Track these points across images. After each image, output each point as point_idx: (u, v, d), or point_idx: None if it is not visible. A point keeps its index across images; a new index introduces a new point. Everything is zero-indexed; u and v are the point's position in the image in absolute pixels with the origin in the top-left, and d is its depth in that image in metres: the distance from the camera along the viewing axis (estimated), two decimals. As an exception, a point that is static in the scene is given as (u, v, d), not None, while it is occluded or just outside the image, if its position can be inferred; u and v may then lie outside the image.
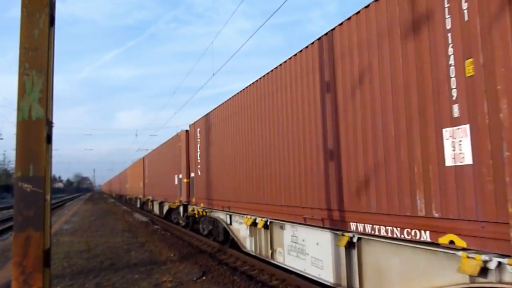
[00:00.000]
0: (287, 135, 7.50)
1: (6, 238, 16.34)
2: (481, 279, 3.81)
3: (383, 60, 5.10)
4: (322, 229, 6.43)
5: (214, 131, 11.87)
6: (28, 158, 3.20)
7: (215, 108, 11.82)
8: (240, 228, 10.14)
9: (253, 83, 9.08)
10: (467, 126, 3.96)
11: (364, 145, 5.36)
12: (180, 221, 17.05)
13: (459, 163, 4.04)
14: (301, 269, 7.18)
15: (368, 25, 5.34)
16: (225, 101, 10.92)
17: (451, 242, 4.11)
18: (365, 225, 5.35)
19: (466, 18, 4.01)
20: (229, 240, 11.38)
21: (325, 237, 6.39)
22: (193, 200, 14.13)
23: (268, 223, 8.37)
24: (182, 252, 11.26)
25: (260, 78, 8.68)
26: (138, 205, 32.84)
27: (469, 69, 3.97)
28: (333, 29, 6.08)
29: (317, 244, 6.64)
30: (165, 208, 20.02)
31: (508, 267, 3.58)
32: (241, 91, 9.86)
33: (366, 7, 5.35)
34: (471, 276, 3.89)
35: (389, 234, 4.94)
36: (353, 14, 5.61)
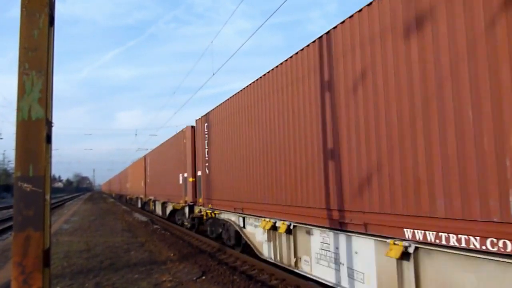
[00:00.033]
0: (316, 127, 6.59)
1: (6, 238, 16.33)
2: None
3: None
4: (363, 236, 5.54)
5: (225, 125, 10.96)
6: (28, 158, 3.20)
7: (226, 100, 10.91)
8: (256, 232, 9.29)
9: (272, 70, 8.26)
10: None
11: (426, 136, 4.50)
12: (185, 223, 16.30)
13: None
14: (334, 281, 6.30)
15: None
16: (238, 92, 10.08)
17: None
18: (426, 232, 4.44)
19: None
20: (242, 245, 10.68)
21: (367, 245, 5.49)
22: (200, 200, 13.32)
23: (292, 227, 7.51)
24: (182, 251, 11.26)
25: (289, 59, 7.65)
26: (139, 205, 32.07)
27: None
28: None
29: (356, 253, 5.74)
30: (169, 209, 19.27)
31: None
32: (258, 79, 8.90)
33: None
34: None
35: (463, 244, 4.00)
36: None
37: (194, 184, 14.31)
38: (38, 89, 3.26)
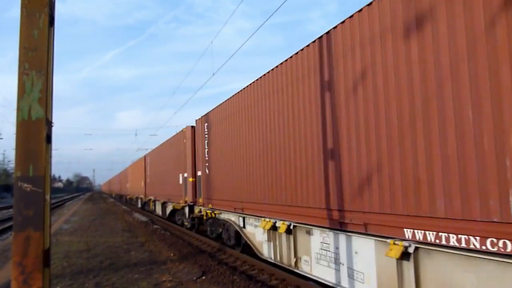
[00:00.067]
0: (316, 127, 6.56)
1: (5, 237, 16.33)
2: None
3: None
4: (363, 236, 5.52)
5: (225, 125, 10.94)
6: (27, 158, 3.20)
7: (226, 100, 10.86)
8: (256, 232, 9.22)
9: (272, 70, 8.22)
10: None
11: (426, 136, 4.48)
12: (185, 223, 16.18)
13: None
14: (334, 281, 6.28)
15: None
16: (238, 92, 10.02)
17: None
18: (426, 232, 4.43)
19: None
20: (242, 245, 10.63)
21: (367, 245, 5.48)
22: (200, 200, 13.19)
23: (292, 227, 7.47)
24: (182, 251, 11.26)
25: (289, 59, 7.60)
26: (139, 205, 31.83)
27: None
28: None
29: (356, 253, 5.72)
30: (169, 209, 19.14)
31: None
32: (259, 79, 8.88)
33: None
34: None
35: (463, 244, 4.00)
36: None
37: (194, 184, 14.21)
38: (38, 89, 3.26)
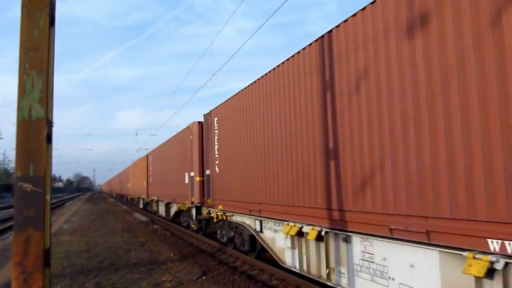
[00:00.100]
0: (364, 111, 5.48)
1: (6, 237, 16.33)
2: None
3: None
4: (423, 246, 4.59)
5: (239, 118, 9.91)
6: (28, 158, 3.20)
7: (240, 91, 9.86)
8: (276, 237, 8.20)
9: (299, 52, 7.21)
10: None
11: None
12: (192, 225, 15.09)
13: None
14: None
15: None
16: (255, 81, 8.94)
17: None
18: None
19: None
20: (257, 251, 9.67)
21: (428, 257, 4.53)
22: (209, 201, 12.18)
23: (323, 233, 6.41)
24: (182, 251, 11.26)
25: (310, 45, 6.86)
26: (141, 206, 30.76)
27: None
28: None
29: (412, 266, 4.78)
30: (173, 210, 18.16)
31: None
32: (280, 64, 7.79)
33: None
34: None
35: None
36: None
37: (202, 183, 13.37)
38: (39, 89, 3.26)
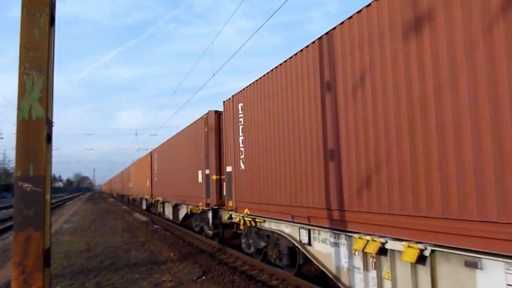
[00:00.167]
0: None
1: (6, 237, 16.34)
2: None
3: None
4: None
5: (273, 101, 8.08)
6: (28, 158, 3.20)
7: (275, 68, 8.04)
8: (334, 253, 6.32)
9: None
10: None
11: None
12: (208, 231, 12.89)
13: None
14: None
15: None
16: (298, 52, 7.16)
17: None
18: None
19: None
20: (297, 266, 7.87)
21: None
22: (230, 203, 10.43)
23: (428, 253, 4.45)
24: (182, 251, 11.26)
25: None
26: (144, 207, 28.56)
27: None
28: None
29: None
30: (182, 212, 16.30)
31: None
32: (326, 33, 6.34)
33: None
34: None
35: None
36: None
37: (219, 182, 11.81)
38: (39, 89, 3.26)
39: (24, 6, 3.29)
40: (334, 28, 6.15)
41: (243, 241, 10.19)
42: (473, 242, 3.91)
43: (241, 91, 9.74)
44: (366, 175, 5.36)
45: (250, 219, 9.16)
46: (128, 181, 40.12)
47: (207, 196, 12.37)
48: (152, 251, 11.32)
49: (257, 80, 8.87)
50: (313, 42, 6.71)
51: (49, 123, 3.38)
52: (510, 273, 3.61)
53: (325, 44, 6.39)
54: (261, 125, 8.70)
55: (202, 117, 12.91)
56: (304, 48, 6.97)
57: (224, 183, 11.30)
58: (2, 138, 43.51)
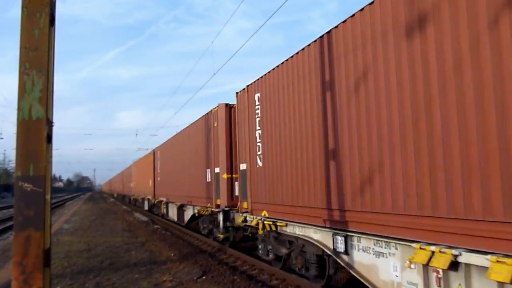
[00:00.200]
0: None
1: (6, 237, 16.34)
2: None
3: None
4: None
5: (299, 89, 7.14)
6: (28, 158, 3.20)
7: (298, 52, 7.16)
8: (380, 264, 5.28)
9: None
10: None
11: None
12: (218, 235, 11.75)
13: None
14: None
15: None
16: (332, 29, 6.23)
17: None
18: None
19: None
20: (327, 277, 6.99)
21: None
22: (245, 205, 9.57)
23: None
24: (182, 251, 11.26)
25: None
26: (146, 208, 27.40)
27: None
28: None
29: None
30: (188, 214, 15.25)
31: None
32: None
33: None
34: None
35: None
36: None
37: (230, 182, 10.98)
38: (39, 89, 3.26)
39: (24, 6, 3.30)
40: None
41: (260, 246, 9.12)
42: None
43: (258, 79, 8.83)
44: (434, 173, 4.45)
45: (270, 223, 8.07)
46: (129, 181, 39.45)
47: (217, 197, 11.51)
48: (152, 251, 11.31)
49: (277, 66, 7.91)
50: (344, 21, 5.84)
51: (49, 123, 3.38)
52: None
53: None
54: (283, 116, 7.73)
55: (211, 111, 11.96)
56: (340, 23, 5.99)
57: (236, 183, 10.63)
58: (2, 138, 43.54)
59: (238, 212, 10.14)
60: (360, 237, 5.66)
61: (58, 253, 10.97)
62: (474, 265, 3.95)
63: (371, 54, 5.35)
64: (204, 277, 8.13)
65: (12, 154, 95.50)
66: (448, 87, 4.24)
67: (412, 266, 4.71)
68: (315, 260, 7.03)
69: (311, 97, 6.77)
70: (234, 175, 10.95)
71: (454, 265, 4.14)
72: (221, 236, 11.52)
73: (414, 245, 4.62)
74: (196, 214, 13.84)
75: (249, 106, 9.29)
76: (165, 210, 20.20)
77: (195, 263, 9.58)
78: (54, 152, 3.88)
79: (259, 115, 8.75)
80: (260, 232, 8.58)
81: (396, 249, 5.01)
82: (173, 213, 18.11)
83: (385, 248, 5.23)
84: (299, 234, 7.28)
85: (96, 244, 12.74)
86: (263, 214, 8.55)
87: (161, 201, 21.08)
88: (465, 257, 4.01)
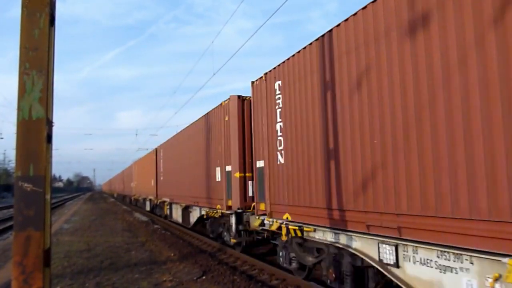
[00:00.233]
0: None
1: (6, 237, 16.34)
2: None
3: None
4: None
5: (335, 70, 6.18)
6: (28, 158, 3.20)
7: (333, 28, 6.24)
8: (447, 280, 4.37)
9: None
10: None
11: None
12: (231, 239, 10.66)
13: None
14: None
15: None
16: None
17: None
18: None
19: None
20: None
21: None
22: (262, 206, 8.65)
23: None
24: (182, 251, 11.26)
25: None
26: (148, 208, 26.31)
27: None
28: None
29: None
30: (194, 216, 14.29)
31: None
32: None
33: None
34: None
35: None
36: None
37: (243, 181, 10.12)
38: (39, 89, 3.26)
39: (24, 6, 3.30)
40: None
41: (281, 254, 8.12)
42: None
43: (278, 65, 7.93)
44: None
45: (296, 228, 7.07)
46: (130, 181, 38.58)
47: (228, 197, 10.55)
48: (152, 251, 11.31)
49: (304, 48, 7.04)
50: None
51: (49, 123, 3.38)
52: None
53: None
54: (312, 104, 6.80)
55: (221, 104, 11.04)
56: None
57: (250, 182, 9.96)
58: (2, 138, 43.53)
59: (253, 214, 9.26)
60: (417, 247, 4.73)
61: (58, 253, 10.97)
62: None
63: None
64: (204, 277, 8.13)
65: (12, 154, 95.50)
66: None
67: (498, 286, 3.76)
68: (351, 272, 6.06)
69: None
70: (247, 174, 10.20)
71: None
72: (234, 241, 10.51)
73: (506, 260, 3.62)
74: (204, 216, 12.92)
75: (267, 97, 8.35)
76: (168, 212, 19.24)
77: (195, 263, 9.58)
78: (54, 152, 3.88)
79: (281, 106, 7.82)
80: (284, 237, 7.50)
81: (471, 263, 4.07)
82: (177, 215, 17.15)
83: (455, 261, 4.28)
84: (331, 241, 6.36)
85: (96, 244, 12.74)
86: (285, 217, 7.65)
87: (164, 202, 20.12)
88: None
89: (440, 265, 4.46)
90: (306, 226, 6.92)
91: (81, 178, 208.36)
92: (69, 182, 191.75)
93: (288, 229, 7.24)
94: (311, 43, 6.82)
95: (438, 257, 4.47)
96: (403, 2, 4.85)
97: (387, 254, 5.15)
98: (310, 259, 7.16)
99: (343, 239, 6.05)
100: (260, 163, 8.71)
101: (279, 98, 7.88)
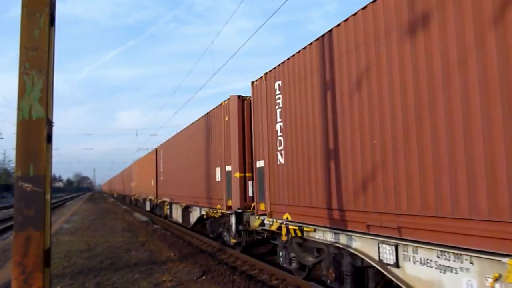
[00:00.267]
0: None
1: (6, 237, 16.34)
2: None
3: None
4: None
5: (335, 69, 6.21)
6: (28, 158, 3.20)
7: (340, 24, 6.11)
8: (447, 281, 4.41)
9: None
10: None
11: None
12: (231, 239, 10.74)
13: None
14: None
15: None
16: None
17: None
18: None
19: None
20: None
21: None
22: (262, 206, 8.73)
23: None
24: (182, 251, 11.26)
25: None
26: (148, 208, 26.44)
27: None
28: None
29: None
30: (194, 216, 14.36)
31: None
32: None
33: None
34: None
35: None
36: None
37: (243, 181, 10.19)
38: (39, 89, 3.26)
39: (24, 6, 3.30)
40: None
41: (281, 254, 8.17)
42: None
43: (278, 65, 7.98)
44: None
45: (296, 228, 7.12)
46: (130, 181, 38.58)
47: (228, 197, 10.59)
48: (152, 251, 11.32)
49: (304, 48, 7.05)
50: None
51: (49, 123, 3.38)
52: None
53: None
54: (312, 104, 6.84)
55: (221, 104, 11.13)
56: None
57: (250, 182, 10.06)
58: (2, 138, 43.55)
59: (253, 214, 9.33)
60: (417, 246, 4.76)
61: (58, 253, 10.97)
62: None
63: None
64: (204, 277, 8.13)
65: (12, 154, 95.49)
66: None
67: (498, 286, 3.77)
68: (351, 272, 6.09)
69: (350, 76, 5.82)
70: (247, 174, 10.25)
71: None
72: (234, 241, 10.57)
73: (505, 260, 3.65)
74: (204, 216, 12.96)
75: (267, 97, 8.40)
76: (168, 211, 19.28)
77: (195, 263, 9.58)
78: (54, 152, 3.89)
79: (281, 106, 7.88)
80: (284, 237, 7.54)
81: (471, 263, 4.10)
82: (177, 215, 17.17)
83: (453, 261, 4.32)
84: (331, 241, 6.39)
85: (96, 244, 12.74)
86: (285, 217, 7.70)
87: (164, 202, 20.14)
88: None
89: (440, 265, 4.50)
90: (306, 226, 6.97)
91: (81, 178, 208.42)
92: (69, 182, 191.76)
93: (288, 229, 7.28)
94: (311, 43, 6.86)
95: (438, 257, 4.50)
96: (403, 2, 4.87)
97: (387, 254, 5.18)
98: (310, 259, 7.21)
99: (343, 239, 6.08)
100: (260, 163, 8.76)
101: (279, 98, 7.95)
